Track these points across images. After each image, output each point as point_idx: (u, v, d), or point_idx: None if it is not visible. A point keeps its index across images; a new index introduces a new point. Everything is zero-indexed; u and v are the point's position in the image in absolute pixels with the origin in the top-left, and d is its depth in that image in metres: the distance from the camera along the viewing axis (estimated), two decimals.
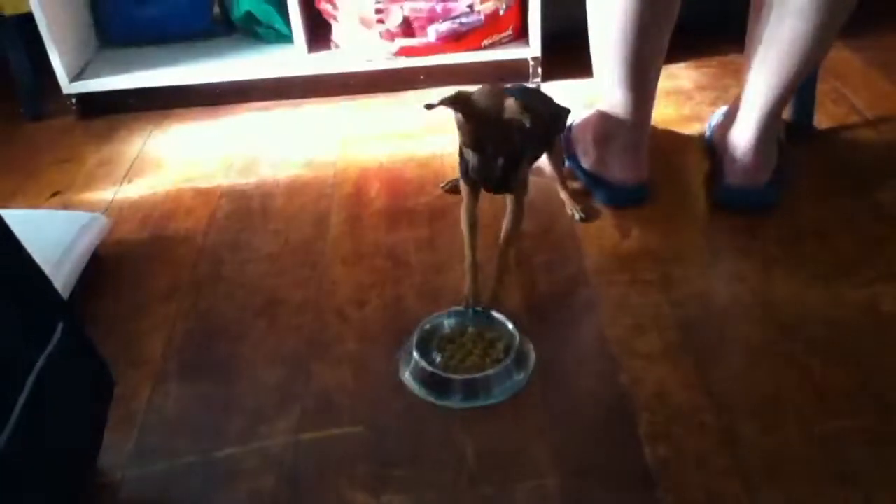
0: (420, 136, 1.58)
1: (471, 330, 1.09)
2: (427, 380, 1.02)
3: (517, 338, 1.06)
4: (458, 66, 1.71)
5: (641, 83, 1.25)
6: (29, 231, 1.19)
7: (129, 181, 1.53)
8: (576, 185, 1.38)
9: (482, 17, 1.66)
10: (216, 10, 1.86)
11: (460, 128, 1.05)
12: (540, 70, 1.74)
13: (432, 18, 1.65)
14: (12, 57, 1.73)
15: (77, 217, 1.30)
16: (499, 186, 1.08)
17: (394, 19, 1.65)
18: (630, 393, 1.00)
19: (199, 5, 1.85)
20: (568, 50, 1.51)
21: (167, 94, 1.76)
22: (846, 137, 1.48)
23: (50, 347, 0.78)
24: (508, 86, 1.19)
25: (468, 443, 0.95)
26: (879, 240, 1.22)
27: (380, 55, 1.70)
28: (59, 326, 0.81)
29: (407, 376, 1.04)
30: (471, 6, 1.65)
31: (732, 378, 1.02)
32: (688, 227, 1.29)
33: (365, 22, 1.67)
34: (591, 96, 1.32)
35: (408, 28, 1.67)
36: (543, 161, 1.32)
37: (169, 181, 1.52)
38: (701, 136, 1.47)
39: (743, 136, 1.26)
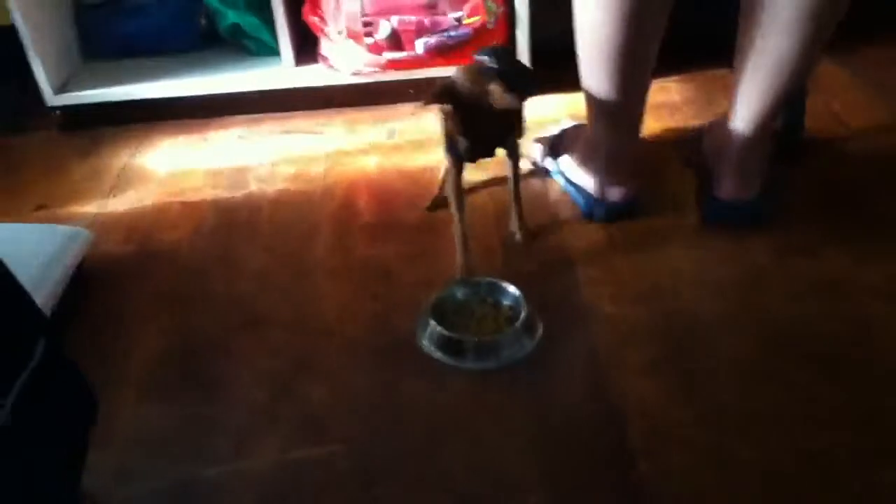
0: (408, 149, 1.58)
1: (483, 298, 1.15)
2: (442, 343, 1.08)
3: (526, 306, 1.10)
4: None
5: (630, 95, 1.24)
6: (10, 245, 1.18)
7: (114, 195, 1.52)
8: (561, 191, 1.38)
9: (470, 30, 1.66)
10: (203, 22, 1.85)
11: (449, 118, 1.08)
12: None
13: (420, 32, 1.65)
14: None
15: (60, 231, 1.28)
16: (490, 155, 1.16)
17: (382, 32, 1.64)
18: (618, 407, 0.99)
19: (185, 17, 1.84)
20: (556, 63, 1.50)
21: (153, 106, 1.75)
22: (835, 151, 1.48)
23: (31, 366, 0.76)
24: (480, 56, 1.21)
25: (454, 461, 0.94)
26: (870, 254, 1.22)
27: (367, 68, 1.69)
28: (41, 344, 0.79)
29: (425, 342, 1.09)
30: (459, 20, 1.65)
31: (721, 393, 1.01)
32: (678, 241, 1.28)
33: (353, 35, 1.66)
34: (580, 109, 1.31)
35: (396, 41, 1.66)
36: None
37: (154, 195, 1.51)
38: (690, 150, 1.47)
39: (732, 150, 1.26)
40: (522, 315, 1.10)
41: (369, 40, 1.65)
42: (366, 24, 1.64)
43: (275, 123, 1.73)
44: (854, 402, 0.98)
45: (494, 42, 1.70)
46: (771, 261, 1.22)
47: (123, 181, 1.56)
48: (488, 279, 1.17)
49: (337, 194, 1.47)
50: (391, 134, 1.65)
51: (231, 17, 1.80)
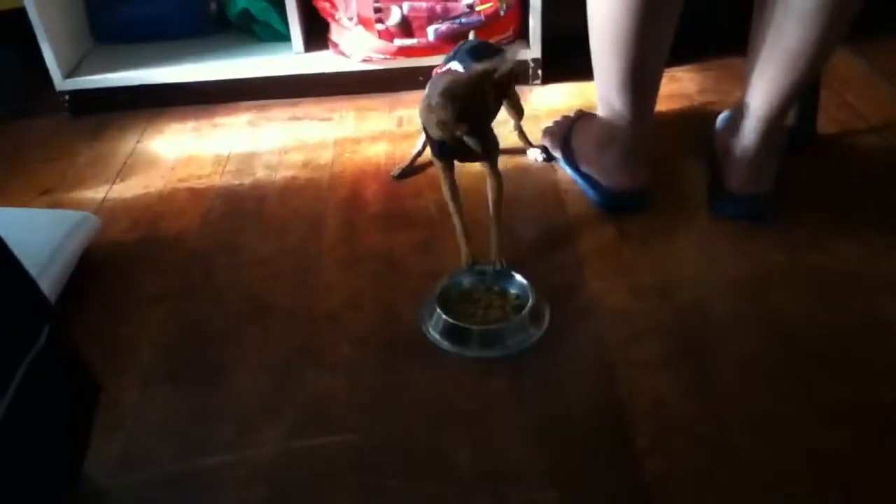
0: (418, 137, 1.56)
1: (489, 286, 1.15)
2: (448, 331, 1.08)
3: (533, 295, 1.11)
4: None
5: (642, 87, 1.23)
6: (16, 231, 1.17)
7: (121, 180, 1.51)
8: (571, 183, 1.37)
9: (482, 17, 1.64)
10: (212, 7, 1.84)
11: (463, 131, 1.06)
12: (540, 72, 1.72)
13: (431, 18, 1.63)
14: (5, 53, 1.71)
15: (67, 217, 1.27)
16: (475, 158, 1.12)
17: (393, 19, 1.63)
18: (627, 403, 0.98)
19: (195, 2, 1.83)
20: (568, 51, 1.49)
21: (161, 92, 1.74)
22: (849, 144, 1.46)
23: (34, 352, 0.76)
24: (456, 47, 1.25)
25: (462, 453, 0.93)
26: (882, 249, 1.20)
27: (378, 55, 1.68)
28: (45, 330, 0.79)
29: (430, 330, 1.09)
30: (471, 6, 1.63)
31: (732, 389, 1.00)
32: (688, 234, 1.27)
33: (363, 21, 1.65)
34: (591, 99, 1.30)
35: (407, 28, 1.65)
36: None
37: (162, 181, 1.50)
38: (702, 142, 1.45)
39: (744, 143, 1.24)
40: (529, 304, 1.10)
41: (380, 27, 1.64)
42: (377, 11, 1.63)
43: (283, 110, 1.72)
44: (867, 399, 0.97)
45: (509, 30, 1.69)
46: (782, 255, 1.20)
47: (130, 167, 1.56)
48: (493, 266, 1.17)
49: (345, 182, 1.46)
50: (400, 122, 1.64)
51: (241, 2, 1.79)
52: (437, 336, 1.09)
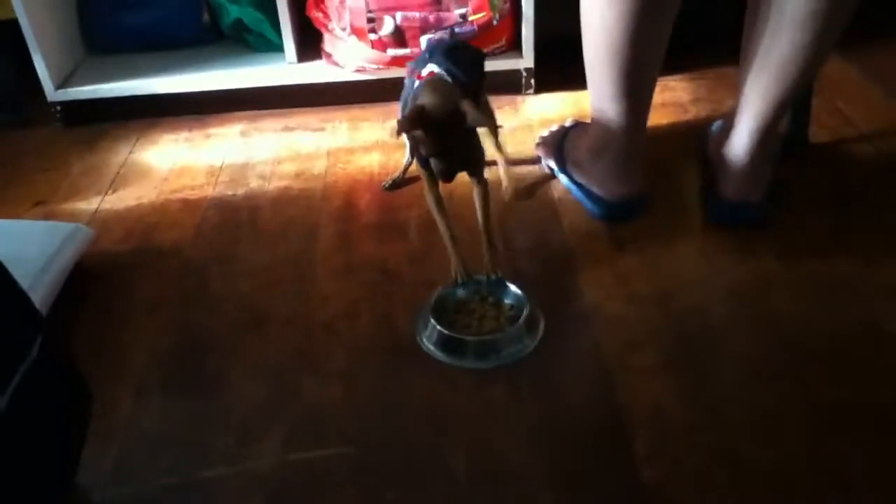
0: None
1: (484, 297, 1.14)
2: (442, 342, 1.07)
3: (528, 305, 1.10)
4: None
5: (636, 95, 1.23)
6: (8, 242, 1.17)
7: (114, 191, 1.50)
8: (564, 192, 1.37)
9: (475, 27, 1.64)
10: (206, 17, 1.84)
11: (420, 141, 1.05)
12: (533, 81, 1.73)
13: (425, 28, 1.64)
14: None
15: (59, 228, 1.27)
16: (460, 172, 1.11)
17: (386, 29, 1.63)
18: (626, 409, 0.98)
19: (188, 13, 1.83)
20: (561, 60, 1.49)
21: (154, 102, 1.74)
22: (842, 151, 1.47)
23: (26, 364, 0.75)
24: (431, 44, 1.23)
25: (459, 461, 0.93)
26: (878, 254, 1.21)
27: (371, 65, 1.68)
28: (37, 341, 0.78)
29: (424, 341, 1.09)
30: (464, 16, 1.64)
31: (731, 394, 1.00)
32: (683, 241, 1.27)
33: (357, 31, 1.65)
34: (585, 108, 1.30)
35: (400, 38, 1.65)
36: None
37: (155, 191, 1.49)
38: (696, 149, 1.46)
39: (738, 150, 1.24)
40: (524, 314, 1.09)
41: (373, 36, 1.64)
42: (370, 21, 1.63)
43: (277, 120, 1.72)
44: (866, 400, 0.97)
45: (502, 39, 1.69)
46: (778, 262, 1.20)
47: (123, 177, 1.55)
48: (488, 276, 1.15)
49: (339, 192, 1.45)
50: (394, 131, 1.63)
51: (234, 12, 1.79)
52: (431, 347, 1.08)
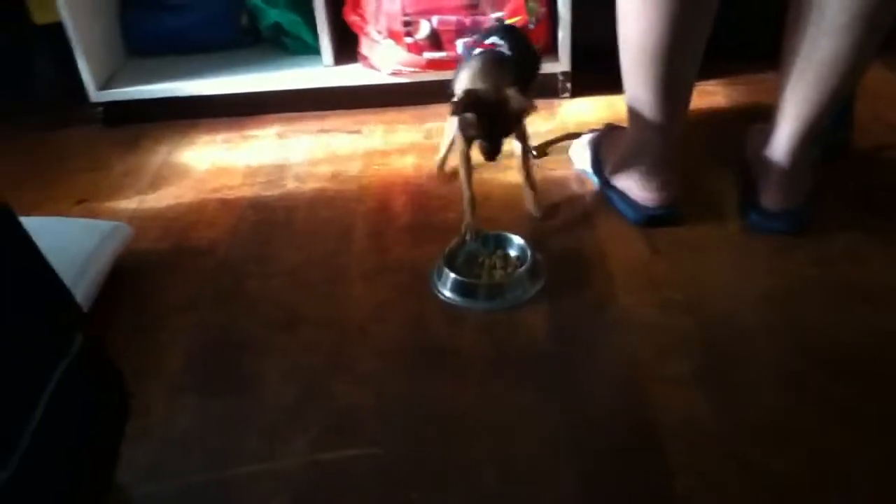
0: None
1: (493, 250, 1.26)
2: (456, 287, 1.18)
3: (532, 254, 1.21)
4: None
5: (672, 100, 1.22)
6: (51, 239, 1.19)
7: (153, 190, 1.53)
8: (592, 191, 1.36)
9: None
10: (244, 20, 1.86)
11: (470, 124, 1.15)
12: (569, 85, 1.72)
13: (460, 31, 1.64)
14: (42, 65, 1.74)
15: (100, 226, 1.29)
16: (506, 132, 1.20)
17: (422, 32, 1.63)
18: (657, 419, 0.97)
19: (226, 16, 1.85)
20: (597, 64, 1.48)
21: (193, 104, 1.76)
22: (884, 158, 1.44)
23: (68, 359, 0.77)
24: (493, 39, 1.30)
25: (488, 467, 0.93)
26: None
27: (407, 68, 1.69)
28: (78, 338, 0.80)
29: (440, 288, 1.19)
30: (500, 20, 1.63)
31: (763, 406, 0.99)
32: (719, 248, 1.26)
33: (393, 34, 1.65)
34: (621, 112, 1.29)
35: (436, 41, 1.65)
36: None
37: (193, 192, 1.52)
38: (734, 155, 1.44)
39: (777, 157, 1.23)
40: (528, 262, 1.20)
41: (409, 40, 1.65)
42: (406, 24, 1.63)
43: (313, 122, 1.74)
44: None
45: (538, 43, 1.69)
46: (815, 270, 1.19)
47: (162, 177, 1.58)
48: (496, 232, 1.27)
49: (374, 194, 1.46)
50: (429, 134, 1.64)
51: (272, 15, 1.80)
52: (447, 293, 1.18)
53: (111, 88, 1.76)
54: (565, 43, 1.66)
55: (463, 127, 1.18)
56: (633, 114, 1.26)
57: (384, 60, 1.70)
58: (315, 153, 1.62)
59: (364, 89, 1.75)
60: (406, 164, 1.55)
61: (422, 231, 1.35)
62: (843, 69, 1.12)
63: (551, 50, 1.71)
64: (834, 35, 1.10)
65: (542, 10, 1.66)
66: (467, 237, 1.26)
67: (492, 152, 1.18)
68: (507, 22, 1.42)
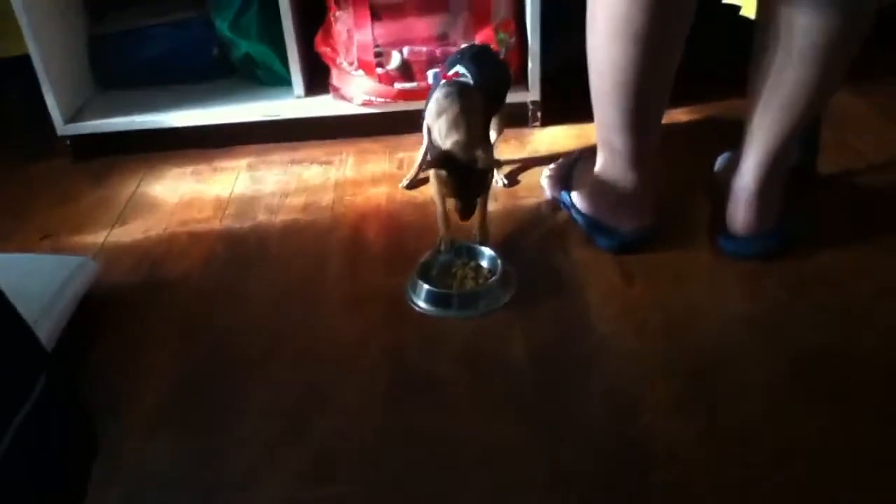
0: (419, 180, 1.56)
1: (465, 262, 1.29)
2: (430, 298, 1.21)
3: (502, 265, 1.25)
4: None
5: (643, 128, 1.23)
6: (15, 275, 1.17)
7: (122, 224, 1.51)
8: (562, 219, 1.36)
9: None
10: (215, 51, 1.85)
11: (442, 181, 1.21)
12: (539, 114, 1.73)
13: (431, 62, 1.64)
14: (7, 99, 1.72)
15: (66, 261, 1.27)
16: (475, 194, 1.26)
17: (393, 63, 1.64)
18: (642, 447, 0.96)
19: (197, 47, 1.84)
20: (567, 93, 1.49)
21: (163, 136, 1.74)
22: (851, 183, 1.46)
23: (29, 405, 0.74)
24: (458, 68, 1.33)
25: (471, 501, 0.91)
26: (892, 286, 1.20)
27: (378, 99, 1.69)
28: (41, 380, 0.77)
29: (414, 300, 1.22)
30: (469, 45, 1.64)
31: (748, 428, 0.98)
32: (693, 273, 1.26)
33: (364, 65, 1.66)
34: (592, 139, 1.30)
35: (407, 71, 1.66)
36: None
37: (163, 224, 1.49)
38: (704, 182, 1.45)
39: (746, 183, 1.24)
40: (498, 272, 1.24)
41: (380, 70, 1.65)
42: (377, 55, 1.64)
43: (285, 153, 1.73)
44: (885, 437, 0.95)
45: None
46: (790, 292, 1.19)
47: (131, 210, 1.55)
48: (467, 243, 1.31)
49: (346, 225, 1.45)
50: (401, 164, 1.64)
51: (243, 46, 1.80)
52: (421, 304, 1.21)
53: (79, 121, 1.74)
54: (535, 73, 1.68)
55: (438, 187, 1.26)
56: (604, 141, 1.27)
57: (355, 91, 1.70)
58: (287, 184, 1.60)
59: (335, 120, 1.74)
60: (378, 194, 1.54)
61: (396, 260, 1.34)
62: (810, 96, 1.14)
63: (521, 80, 1.72)
64: (799, 64, 1.12)
65: (512, 40, 1.68)
66: (442, 247, 1.30)
67: (465, 209, 1.23)
68: (474, 44, 1.45)
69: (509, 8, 1.67)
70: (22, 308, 0.79)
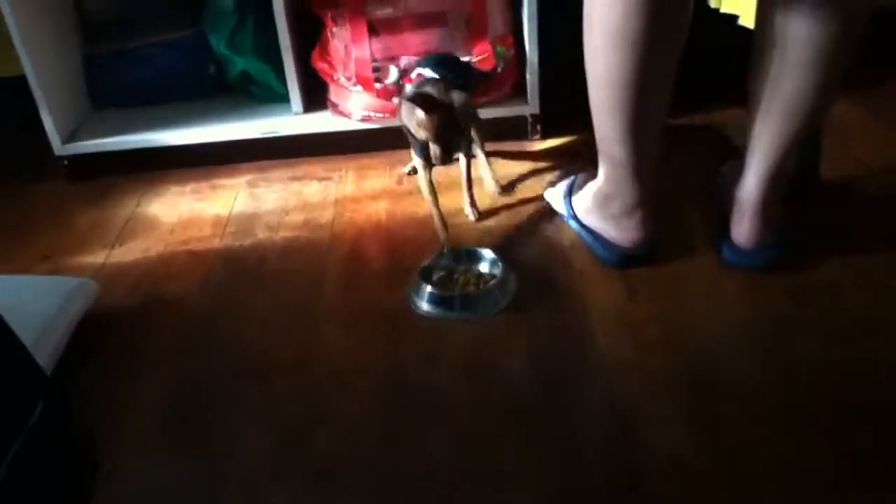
0: (418, 196, 1.55)
1: (467, 268, 1.32)
2: (433, 300, 1.24)
3: (502, 268, 1.28)
4: None
5: (643, 140, 1.22)
6: (14, 297, 1.16)
7: (121, 244, 1.50)
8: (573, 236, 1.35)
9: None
10: (212, 69, 1.85)
11: (422, 125, 1.26)
12: (539, 127, 1.72)
13: None
14: (5, 119, 1.71)
15: (65, 283, 1.26)
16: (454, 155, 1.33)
17: (391, 77, 1.63)
18: (644, 460, 0.95)
19: (193, 66, 1.84)
20: (566, 105, 1.49)
21: (160, 155, 1.74)
22: (853, 191, 1.45)
23: (27, 428, 0.74)
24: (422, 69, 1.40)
25: None
26: (894, 292, 1.19)
27: (377, 114, 1.68)
28: (39, 405, 0.76)
29: (416, 302, 1.25)
30: (445, 54, 1.64)
31: (748, 440, 0.97)
32: (696, 285, 1.25)
33: (362, 80, 1.65)
34: (593, 152, 1.29)
35: (405, 86, 1.65)
36: None
37: (162, 244, 1.49)
38: (706, 192, 1.44)
39: (749, 194, 1.23)
40: (498, 275, 1.26)
41: (378, 85, 1.65)
42: (375, 70, 1.63)
43: (284, 170, 1.72)
44: (885, 448, 0.94)
45: (507, 86, 1.70)
46: (793, 302, 1.19)
47: (130, 230, 1.55)
48: (467, 248, 1.34)
49: (346, 242, 1.45)
50: (401, 180, 1.63)
51: (240, 64, 1.80)
52: (424, 306, 1.24)
53: (76, 141, 1.73)
54: (534, 86, 1.67)
55: (414, 141, 1.30)
56: (605, 154, 1.26)
57: (354, 106, 1.70)
58: (286, 201, 1.60)
59: (334, 136, 1.74)
60: (378, 210, 1.53)
61: (396, 276, 1.33)
62: (809, 104, 1.14)
63: (520, 92, 1.71)
64: (795, 74, 1.11)
65: (510, 52, 1.68)
66: (444, 251, 1.33)
67: (444, 153, 1.27)
68: (438, 53, 1.53)
69: (507, 22, 1.67)
70: (21, 331, 0.79)
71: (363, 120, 1.70)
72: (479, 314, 1.22)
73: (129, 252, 1.47)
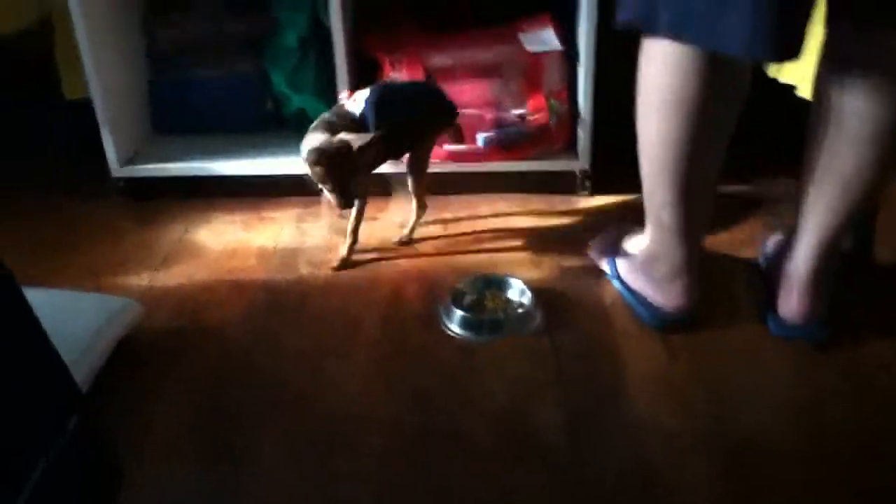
0: (463, 241, 1.56)
1: (495, 294, 1.38)
2: (463, 323, 1.30)
3: (530, 297, 1.35)
4: (504, 174, 1.71)
5: (692, 206, 1.20)
6: (58, 314, 1.17)
7: (167, 268, 1.52)
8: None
9: (532, 128, 1.66)
10: (269, 104, 1.88)
11: (319, 178, 1.34)
12: (588, 182, 1.72)
13: (481, 126, 1.65)
14: (68, 138, 1.76)
15: (109, 301, 1.28)
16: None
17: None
18: None
19: (252, 99, 1.88)
20: (618, 164, 1.49)
21: (213, 183, 1.77)
22: None
23: (59, 444, 0.74)
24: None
25: None
26: None
27: None
28: (73, 420, 0.77)
29: (447, 324, 1.31)
30: (521, 116, 1.65)
31: None
32: (739, 355, 1.23)
33: None
34: (640, 211, 1.29)
35: (457, 133, 1.66)
36: None
37: (207, 271, 1.51)
38: (754, 263, 1.42)
39: (798, 269, 1.21)
40: (526, 304, 1.33)
41: None
42: None
43: (332, 209, 1.73)
44: None
45: (559, 141, 1.70)
46: (844, 379, 1.16)
47: (177, 255, 1.57)
48: (495, 275, 1.41)
49: (388, 283, 1.45)
50: (446, 224, 1.64)
51: (297, 101, 1.83)
52: (454, 328, 1.30)
53: (134, 164, 1.77)
54: (585, 141, 1.67)
55: (317, 181, 1.34)
56: (653, 216, 1.25)
57: None
58: (331, 239, 1.61)
59: (383, 178, 1.75)
60: (422, 254, 1.53)
61: (433, 319, 1.32)
62: (865, 181, 1.12)
63: (570, 147, 1.71)
64: (854, 147, 1.09)
65: (564, 107, 1.68)
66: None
67: (344, 203, 1.35)
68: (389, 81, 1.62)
69: (562, 77, 1.68)
70: (62, 347, 0.80)
71: None
72: (505, 336, 1.28)
73: (173, 276, 1.49)
